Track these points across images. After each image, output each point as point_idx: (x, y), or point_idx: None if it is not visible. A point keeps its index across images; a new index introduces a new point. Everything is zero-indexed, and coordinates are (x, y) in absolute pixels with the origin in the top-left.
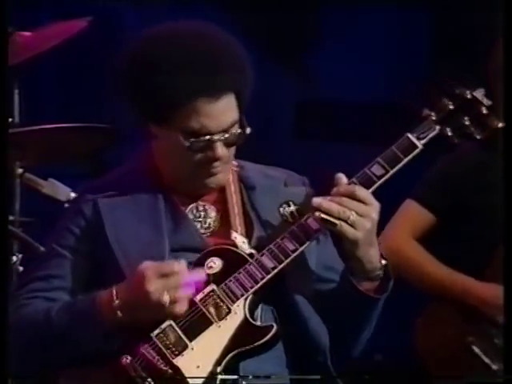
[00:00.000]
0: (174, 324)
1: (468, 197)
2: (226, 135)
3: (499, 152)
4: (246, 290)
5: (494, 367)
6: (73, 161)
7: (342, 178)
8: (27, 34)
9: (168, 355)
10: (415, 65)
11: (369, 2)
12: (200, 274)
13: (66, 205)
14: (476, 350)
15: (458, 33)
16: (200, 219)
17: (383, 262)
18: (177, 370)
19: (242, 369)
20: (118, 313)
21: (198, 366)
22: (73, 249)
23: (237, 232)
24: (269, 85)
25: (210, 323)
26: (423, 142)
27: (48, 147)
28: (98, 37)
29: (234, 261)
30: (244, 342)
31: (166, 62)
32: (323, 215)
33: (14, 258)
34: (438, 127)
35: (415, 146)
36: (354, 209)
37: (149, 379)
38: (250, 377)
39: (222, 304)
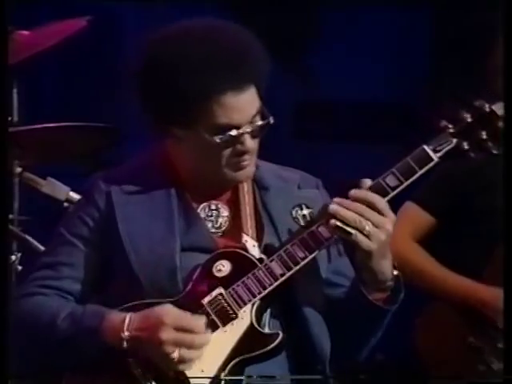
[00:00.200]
0: None
1: (468, 198)
2: (253, 126)
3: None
4: (254, 296)
5: (495, 367)
6: (72, 160)
7: (367, 182)
8: (26, 32)
9: None
10: (415, 65)
11: (369, 2)
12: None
13: (66, 204)
14: (476, 350)
15: (457, 33)
16: (212, 218)
17: (395, 272)
18: (181, 372)
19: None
20: (124, 343)
21: (202, 370)
22: (84, 239)
23: (248, 235)
24: (269, 84)
25: (216, 327)
26: (439, 154)
27: (47, 146)
28: (97, 36)
29: (242, 265)
30: (249, 348)
31: (188, 61)
32: (338, 223)
33: (13, 257)
34: (454, 140)
35: (431, 159)
36: (370, 219)
37: (151, 380)
38: (255, 377)
39: (228, 308)
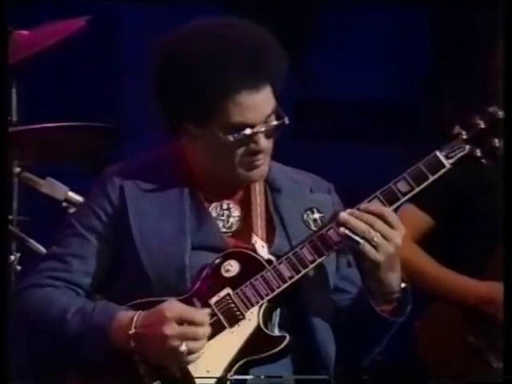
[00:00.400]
0: None
1: (467, 199)
2: (267, 126)
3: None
4: (262, 298)
5: (495, 366)
6: (71, 160)
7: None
8: (25, 32)
9: None
10: (415, 65)
11: (369, 3)
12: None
13: (65, 204)
14: (476, 349)
15: (458, 33)
16: (223, 218)
17: (403, 285)
18: (187, 372)
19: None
20: (131, 342)
21: (208, 371)
22: (96, 232)
23: (257, 235)
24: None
25: (223, 328)
26: (451, 161)
27: (46, 146)
28: (96, 36)
29: (251, 266)
30: (255, 350)
31: (204, 59)
32: (348, 232)
33: (12, 257)
34: (467, 147)
35: (443, 165)
36: (380, 230)
37: (157, 379)
38: (262, 377)
39: (236, 309)
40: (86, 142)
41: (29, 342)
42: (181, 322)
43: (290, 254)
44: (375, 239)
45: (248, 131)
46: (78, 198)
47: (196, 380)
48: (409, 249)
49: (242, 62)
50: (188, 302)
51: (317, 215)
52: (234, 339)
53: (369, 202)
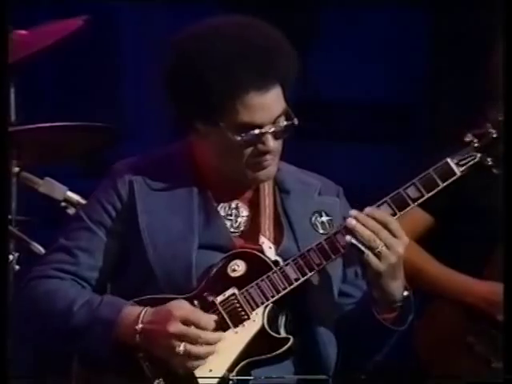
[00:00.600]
0: None
1: (466, 198)
2: (276, 127)
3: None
4: (267, 299)
5: (494, 365)
6: (70, 160)
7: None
8: (23, 32)
9: None
10: (414, 64)
11: (368, 2)
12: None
13: (63, 204)
14: (476, 349)
15: (457, 32)
16: (231, 217)
17: (405, 293)
18: (190, 372)
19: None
20: (137, 337)
21: (211, 370)
22: (104, 227)
23: (265, 236)
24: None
25: (227, 327)
26: (462, 169)
27: (44, 146)
28: (94, 36)
29: (258, 266)
30: (259, 351)
31: (215, 58)
32: (354, 240)
33: (11, 257)
34: (479, 155)
35: (454, 173)
36: (384, 240)
37: (160, 376)
38: (263, 377)
39: (241, 309)
40: (84, 142)
41: (35, 333)
42: (186, 322)
43: (297, 257)
44: (379, 249)
45: (256, 131)
46: (77, 197)
47: (198, 379)
48: (409, 247)
49: (252, 62)
50: (193, 300)
51: (325, 218)
52: (237, 339)
53: (378, 207)
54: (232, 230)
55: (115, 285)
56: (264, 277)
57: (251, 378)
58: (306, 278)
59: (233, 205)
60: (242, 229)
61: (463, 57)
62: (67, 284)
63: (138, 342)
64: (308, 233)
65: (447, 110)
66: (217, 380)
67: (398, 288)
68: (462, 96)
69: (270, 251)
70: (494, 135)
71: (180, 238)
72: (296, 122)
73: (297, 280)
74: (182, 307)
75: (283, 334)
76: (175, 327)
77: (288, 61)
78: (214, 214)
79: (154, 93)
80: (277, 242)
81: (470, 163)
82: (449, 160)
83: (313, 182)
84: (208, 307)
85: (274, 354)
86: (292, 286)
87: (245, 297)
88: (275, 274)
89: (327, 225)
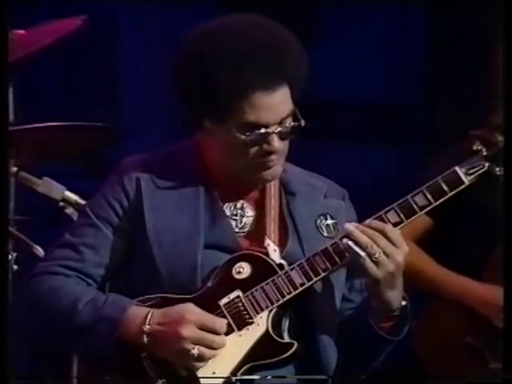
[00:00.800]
0: None
1: (466, 198)
2: (282, 127)
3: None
4: (272, 303)
5: (492, 366)
6: (68, 160)
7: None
8: (21, 31)
9: None
10: (415, 64)
11: (368, 2)
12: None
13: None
14: (474, 349)
15: (457, 32)
16: (236, 218)
17: (403, 303)
18: (192, 373)
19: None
20: (144, 338)
21: (214, 373)
22: (110, 224)
23: (270, 239)
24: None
25: (231, 330)
26: (470, 178)
27: (43, 146)
28: (93, 35)
29: (263, 269)
30: (263, 355)
31: (221, 56)
32: (350, 243)
33: (9, 257)
34: (487, 164)
35: (462, 182)
36: (383, 248)
37: (162, 376)
38: (268, 377)
39: (245, 313)
40: (83, 142)
41: (38, 329)
42: (200, 326)
43: (302, 261)
44: (376, 255)
45: (261, 131)
46: (75, 197)
47: (201, 380)
48: (408, 249)
49: (260, 62)
50: (197, 300)
51: (330, 221)
52: (241, 342)
53: (385, 213)
54: (237, 230)
55: (120, 281)
56: (269, 280)
57: (253, 378)
58: (311, 283)
59: (238, 205)
60: (247, 229)
61: (463, 57)
62: (72, 281)
63: (145, 342)
64: (313, 235)
65: (447, 110)
66: (220, 381)
67: (395, 298)
68: (462, 96)
69: (274, 254)
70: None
71: (186, 237)
72: (303, 123)
73: (302, 285)
74: (193, 311)
75: (287, 338)
76: (190, 331)
77: (297, 62)
78: (220, 214)
79: (155, 93)
80: (282, 244)
81: (479, 172)
82: (457, 169)
83: (319, 185)
84: (212, 309)
85: (278, 358)
86: (297, 291)
87: (249, 300)
88: (280, 278)
89: (332, 228)
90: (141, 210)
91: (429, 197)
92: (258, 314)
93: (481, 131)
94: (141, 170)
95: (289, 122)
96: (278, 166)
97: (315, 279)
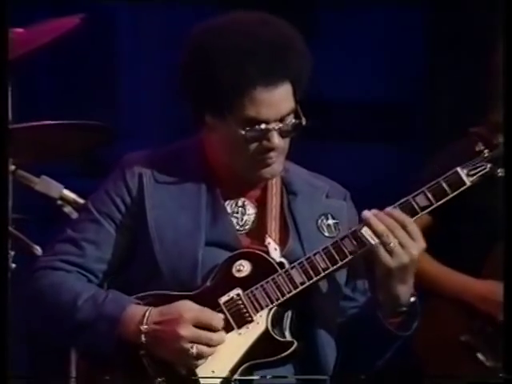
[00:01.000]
0: None
1: (465, 196)
2: (282, 125)
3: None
4: (272, 301)
5: (489, 364)
6: (66, 158)
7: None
8: (20, 30)
9: None
10: (414, 64)
11: (367, 1)
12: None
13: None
14: (470, 347)
15: (457, 32)
16: (237, 215)
17: (412, 299)
18: (191, 371)
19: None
20: (142, 337)
21: (213, 371)
22: (112, 220)
23: (271, 237)
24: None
25: (231, 329)
26: (472, 179)
27: (41, 144)
28: (91, 34)
29: (263, 268)
30: (263, 354)
31: (225, 51)
32: (366, 229)
33: (9, 257)
34: (489, 165)
35: (464, 183)
36: (399, 238)
37: (162, 378)
38: (268, 376)
39: (245, 311)
40: (80, 141)
41: (37, 324)
42: (197, 324)
43: (303, 260)
44: (391, 244)
45: (261, 127)
46: (73, 196)
47: (200, 380)
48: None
49: (262, 58)
50: (197, 298)
51: (331, 221)
52: (241, 341)
53: None
54: (238, 227)
55: (120, 277)
56: (269, 279)
57: (252, 378)
58: (311, 282)
59: (240, 202)
60: (248, 227)
61: (463, 56)
62: (73, 277)
63: (143, 341)
64: (314, 235)
65: (447, 110)
66: (219, 380)
67: (405, 293)
68: (462, 96)
69: (275, 253)
70: None
71: (187, 234)
72: (304, 122)
73: (302, 284)
74: (190, 309)
75: (287, 337)
76: (187, 330)
77: (300, 60)
78: (222, 211)
79: (153, 92)
80: (282, 243)
81: (480, 173)
82: (459, 170)
83: (321, 185)
84: (212, 307)
85: (278, 357)
86: (297, 290)
87: (249, 298)
88: (280, 277)
89: (333, 228)
90: (143, 207)
91: (430, 197)
92: (257, 312)
93: (482, 130)
94: (143, 167)
95: (290, 120)
96: (276, 163)
97: (315, 278)
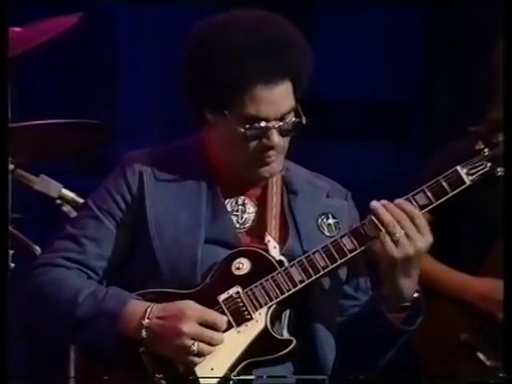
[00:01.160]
0: None
1: (464, 195)
2: (282, 123)
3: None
4: (271, 299)
5: (488, 363)
6: (65, 157)
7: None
8: (18, 29)
9: None
10: (414, 63)
11: (366, 1)
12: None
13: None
14: (470, 347)
15: (457, 32)
16: (237, 213)
17: (416, 295)
18: (190, 369)
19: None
20: (143, 332)
21: (212, 369)
22: (112, 217)
23: (271, 235)
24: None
25: (230, 326)
26: (472, 178)
27: (40, 143)
28: (91, 34)
29: (262, 266)
30: (261, 352)
31: (226, 48)
32: (373, 217)
33: (9, 257)
34: (489, 164)
35: (463, 182)
36: (406, 230)
37: (159, 371)
38: (264, 377)
39: (244, 309)
40: (79, 140)
41: (38, 321)
42: (201, 322)
43: (302, 258)
44: (397, 235)
45: (260, 125)
46: (72, 195)
47: (199, 378)
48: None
49: (262, 55)
50: (197, 296)
51: (331, 220)
52: (240, 339)
53: None
54: (238, 225)
55: (120, 275)
56: (268, 277)
57: (251, 378)
58: (310, 280)
59: (240, 201)
60: (247, 225)
61: (463, 56)
62: (73, 273)
63: (144, 337)
64: (314, 234)
65: (447, 109)
66: (218, 379)
67: (408, 287)
68: (461, 95)
69: (274, 251)
70: None
71: (187, 231)
72: (304, 120)
73: (301, 282)
74: (193, 307)
75: (286, 335)
76: (190, 327)
77: (301, 59)
78: (222, 209)
79: (152, 92)
80: (282, 241)
81: (480, 172)
82: (459, 168)
83: (321, 185)
84: (211, 305)
85: (277, 355)
86: (297, 288)
87: (248, 296)
88: (279, 275)
89: (334, 227)
90: (143, 204)
91: (430, 196)
92: (256, 310)
93: (482, 129)
94: (144, 164)
95: (290, 119)
96: (276, 162)
97: (315, 276)
